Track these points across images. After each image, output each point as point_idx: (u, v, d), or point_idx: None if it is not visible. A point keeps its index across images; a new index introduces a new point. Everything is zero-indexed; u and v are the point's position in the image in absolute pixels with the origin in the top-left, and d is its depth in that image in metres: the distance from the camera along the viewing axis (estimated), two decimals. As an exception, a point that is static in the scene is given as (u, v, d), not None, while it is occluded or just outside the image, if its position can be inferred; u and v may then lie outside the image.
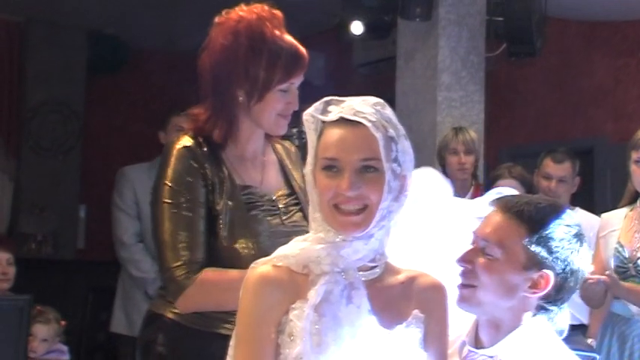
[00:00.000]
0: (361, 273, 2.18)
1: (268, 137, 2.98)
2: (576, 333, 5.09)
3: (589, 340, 4.70)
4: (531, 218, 2.37)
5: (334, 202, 2.13)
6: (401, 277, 2.25)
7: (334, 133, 2.16)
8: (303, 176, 2.81)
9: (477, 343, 2.42)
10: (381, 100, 2.25)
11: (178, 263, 2.70)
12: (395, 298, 2.20)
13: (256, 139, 2.93)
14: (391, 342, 2.15)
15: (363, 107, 2.18)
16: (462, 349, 2.44)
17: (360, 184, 2.12)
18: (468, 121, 6.45)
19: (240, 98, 2.81)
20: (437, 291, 2.26)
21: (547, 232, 2.36)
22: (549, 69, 8.13)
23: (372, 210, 2.14)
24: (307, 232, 2.38)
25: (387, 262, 2.24)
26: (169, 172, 2.78)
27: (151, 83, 9.56)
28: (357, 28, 6.89)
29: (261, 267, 2.20)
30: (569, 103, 8.14)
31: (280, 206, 2.87)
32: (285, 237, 2.47)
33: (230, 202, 2.77)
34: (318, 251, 2.15)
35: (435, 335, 2.22)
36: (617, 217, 4.48)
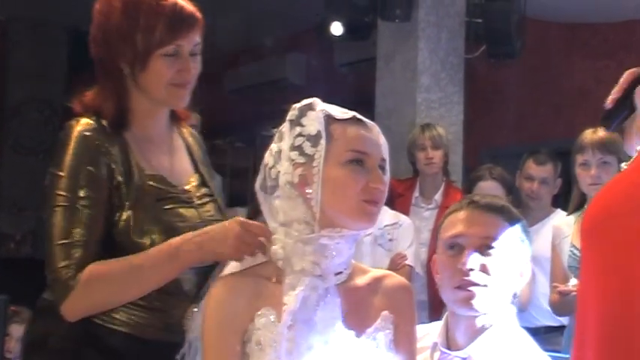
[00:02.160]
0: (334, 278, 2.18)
1: (175, 121, 2.69)
2: (556, 334, 5.13)
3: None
4: (510, 213, 2.45)
5: (364, 196, 2.12)
6: (367, 278, 2.24)
7: (357, 129, 2.17)
8: (209, 166, 2.73)
9: (450, 344, 2.44)
10: None
11: (66, 263, 2.34)
12: (363, 299, 2.20)
13: (158, 119, 2.60)
14: (362, 345, 2.15)
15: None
16: (433, 351, 2.46)
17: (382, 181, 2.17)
18: (447, 122, 6.47)
19: (125, 71, 2.49)
20: (405, 291, 2.27)
21: (522, 223, 2.46)
22: (529, 70, 8.16)
23: (380, 210, 2.18)
24: None
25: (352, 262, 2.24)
26: (67, 160, 2.41)
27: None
28: (337, 29, 6.90)
29: (225, 276, 2.21)
30: (549, 105, 8.18)
31: (195, 198, 2.58)
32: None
33: (139, 193, 2.45)
34: (304, 249, 2.14)
35: (405, 335, 2.22)
36: (567, 224, 4.52)
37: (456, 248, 2.42)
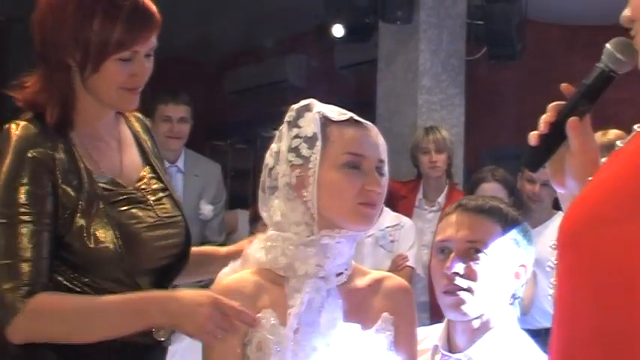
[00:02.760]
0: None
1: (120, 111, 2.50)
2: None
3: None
4: (502, 214, 2.42)
5: (360, 199, 2.11)
6: (367, 280, 2.24)
7: (353, 131, 2.15)
8: (159, 153, 2.56)
9: (451, 347, 2.43)
10: None
11: (11, 284, 2.14)
12: (363, 300, 2.19)
13: (106, 113, 2.41)
14: (363, 346, 2.14)
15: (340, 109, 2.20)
16: (434, 353, 2.45)
17: (380, 183, 2.15)
18: (448, 124, 6.47)
19: (74, 68, 2.29)
20: (405, 292, 2.26)
21: (518, 225, 2.43)
22: (530, 72, 8.16)
23: (378, 212, 2.16)
24: (180, 222, 2.40)
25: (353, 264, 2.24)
26: (4, 172, 2.21)
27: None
28: (338, 30, 6.90)
29: (227, 278, 2.19)
30: (549, 107, 8.17)
31: (149, 196, 2.40)
32: (161, 229, 2.36)
33: (90, 199, 2.25)
34: (307, 252, 2.12)
35: (405, 337, 2.21)
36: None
37: (445, 252, 2.41)
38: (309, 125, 2.14)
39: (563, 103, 1.85)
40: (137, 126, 2.54)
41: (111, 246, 2.24)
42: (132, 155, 2.46)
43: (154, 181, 2.46)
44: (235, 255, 2.35)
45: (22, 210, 2.18)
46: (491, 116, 8.44)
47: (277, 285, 2.14)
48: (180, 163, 5.52)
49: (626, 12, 1.58)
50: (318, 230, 2.12)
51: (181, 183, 5.45)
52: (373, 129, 2.18)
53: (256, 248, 2.22)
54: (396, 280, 2.28)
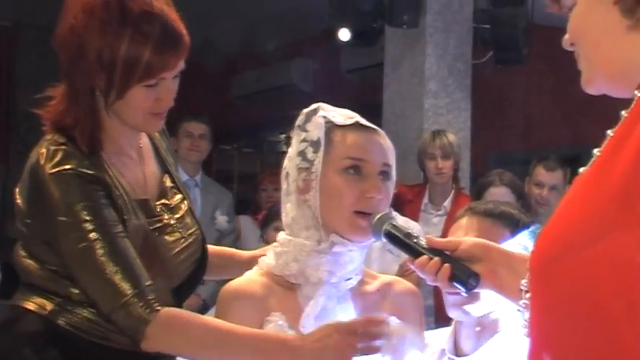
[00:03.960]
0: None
1: None
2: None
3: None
4: (512, 219, 2.43)
5: (357, 207, 2.08)
6: (377, 284, 2.24)
7: (356, 136, 2.13)
8: (172, 156, 2.52)
9: (458, 351, 2.44)
10: None
11: (125, 299, 2.09)
12: (372, 304, 2.20)
13: (129, 132, 2.34)
14: None
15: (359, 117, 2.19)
16: (441, 357, 2.46)
17: (382, 190, 2.11)
18: (454, 128, 6.47)
19: (98, 93, 2.22)
20: (413, 296, 2.27)
21: (528, 230, 2.42)
22: (536, 76, 8.15)
23: None
24: (198, 236, 2.38)
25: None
26: (56, 203, 2.15)
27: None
28: (344, 34, 6.91)
29: (236, 280, 2.20)
30: (556, 111, 8.16)
31: (171, 215, 2.35)
32: (186, 250, 2.34)
33: (134, 224, 2.21)
34: (319, 260, 2.12)
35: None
36: None
37: None
38: (315, 129, 2.14)
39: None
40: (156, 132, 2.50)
41: (157, 280, 2.19)
42: (151, 166, 2.41)
43: (174, 191, 2.42)
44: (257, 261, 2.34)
45: (89, 227, 2.12)
46: (498, 120, 8.43)
47: (286, 288, 2.15)
48: (198, 178, 6.06)
49: (566, 36, 1.59)
50: (325, 235, 2.11)
51: (199, 196, 5.95)
52: (377, 133, 2.16)
53: (268, 253, 2.23)
54: (405, 285, 2.29)
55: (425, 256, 1.85)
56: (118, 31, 2.14)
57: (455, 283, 1.81)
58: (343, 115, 2.16)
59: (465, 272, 1.80)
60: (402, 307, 2.23)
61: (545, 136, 8.13)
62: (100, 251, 2.11)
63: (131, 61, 2.14)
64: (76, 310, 2.20)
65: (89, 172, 2.17)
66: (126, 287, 2.09)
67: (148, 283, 2.12)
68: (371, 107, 6.42)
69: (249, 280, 2.19)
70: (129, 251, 2.14)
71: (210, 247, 2.52)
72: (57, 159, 2.17)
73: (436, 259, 1.82)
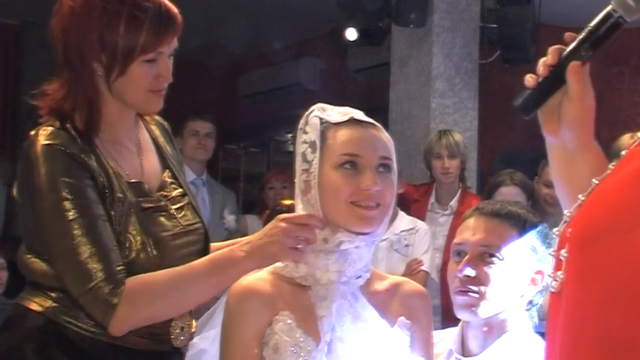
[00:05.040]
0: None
1: (139, 114, 2.50)
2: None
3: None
4: (520, 219, 2.42)
5: (353, 199, 2.10)
6: (385, 284, 2.24)
7: (350, 132, 2.15)
8: (177, 155, 2.57)
9: (465, 351, 2.43)
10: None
11: (93, 283, 2.14)
12: (381, 304, 2.19)
13: (128, 117, 2.43)
14: (384, 347, 2.15)
15: (360, 113, 2.20)
16: (449, 357, 2.45)
17: (380, 182, 2.11)
18: (461, 128, 6.46)
19: (99, 72, 2.30)
20: (422, 298, 2.27)
21: (536, 230, 2.42)
22: (543, 76, 8.13)
23: (385, 210, 2.14)
24: (199, 228, 2.39)
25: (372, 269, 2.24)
26: (42, 181, 2.21)
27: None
28: (351, 34, 6.90)
29: (244, 279, 2.19)
30: (563, 110, 8.14)
31: (170, 204, 2.40)
32: (184, 237, 2.36)
33: (122, 204, 2.26)
34: (327, 261, 2.13)
35: (421, 342, 2.22)
36: None
37: (461, 255, 2.42)
38: (312, 130, 2.17)
39: (564, 47, 1.75)
40: (156, 130, 2.55)
41: (143, 254, 2.25)
42: (151, 159, 2.46)
43: (174, 186, 2.46)
44: None
45: (69, 206, 2.18)
46: (505, 120, 8.42)
47: (295, 287, 2.16)
48: (204, 177, 6.10)
49: None
50: (331, 233, 2.12)
51: (207, 194, 6.02)
52: (372, 127, 2.17)
53: None
54: (413, 286, 2.29)
55: None
56: (117, 9, 2.25)
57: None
58: (340, 113, 2.18)
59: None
60: (411, 308, 2.23)
61: (552, 135, 8.10)
62: (77, 232, 2.17)
63: (131, 36, 2.25)
64: (77, 307, 2.22)
65: (77, 153, 2.23)
66: (96, 271, 2.14)
67: (119, 267, 2.17)
68: (378, 107, 6.42)
69: (258, 278, 2.19)
70: (106, 234, 2.19)
71: (222, 243, 2.53)
72: (49, 135, 2.24)
73: None
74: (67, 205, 2.18)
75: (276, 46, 9.72)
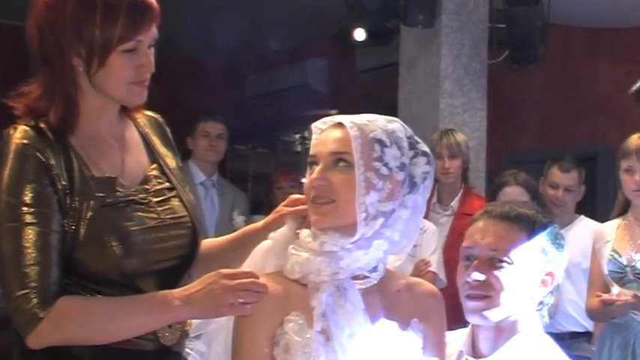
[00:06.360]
0: (357, 282, 2.17)
1: (125, 111, 2.46)
2: (581, 340, 5.10)
3: (594, 348, 4.71)
4: (529, 221, 2.40)
5: (310, 197, 2.17)
6: (398, 285, 2.25)
7: (316, 135, 2.24)
8: (174, 154, 2.54)
9: (475, 353, 2.42)
10: (395, 119, 2.28)
11: (25, 291, 2.12)
12: (393, 305, 2.20)
13: (109, 113, 2.39)
14: (395, 346, 2.15)
15: (359, 116, 2.21)
16: (459, 358, 2.44)
17: (329, 177, 2.15)
18: (470, 128, 6.45)
19: (79, 67, 2.28)
20: (435, 299, 2.28)
21: (546, 232, 2.40)
22: (552, 76, 8.13)
23: (341, 204, 2.14)
24: (186, 222, 2.38)
25: (385, 269, 2.24)
26: (6, 176, 2.20)
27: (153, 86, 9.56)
28: (359, 34, 6.89)
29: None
30: (572, 110, 8.14)
31: (151, 197, 2.36)
32: (163, 231, 2.33)
33: (84, 200, 2.23)
34: (318, 263, 2.14)
35: (434, 343, 2.22)
36: (610, 229, 4.50)
37: (471, 259, 2.40)
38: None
39: None
40: (147, 126, 2.52)
41: (108, 248, 2.22)
42: (137, 155, 2.44)
43: (161, 180, 2.43)
44: (273, 225, 2.39)
45: (27, 210, 2.17)
46: (514, 120, 8.41)
47: (303, 287, 2.17)
48: (214, 178, 6.09)
49: None
50: (315, 234, 2.18)
51: (217, 196, 6.03)
52: (339, 125, 2.20)
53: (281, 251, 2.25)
54: (427, 287, 2.31)
55: None
56: (91, 2, 2.24)
57: None
58: (318, 123, 2.26)
59: None
60: (425, 309, 2.24)
61: (561, 135, 8.10)
62: (30, 237, 2.15)
63: (108, 26, 2.23)
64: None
65: (47, 154, 2.22)
66: (32, 280, 2.13)
67: (56, 285, 2.16)
68: (386, 107, 6.40)
69: (269, 279, 2.19)
70: (55, 251, 2.18)
71: (224, 237, 2.57)
72: (22, 133, 2.24)
73: None
74: (25, 209, 2.17)
75: (284, 46, 9.72)
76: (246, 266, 2.28)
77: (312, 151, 2.21)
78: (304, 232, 2.22)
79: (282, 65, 9.82)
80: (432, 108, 6.61)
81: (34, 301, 2.12)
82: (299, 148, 10.42)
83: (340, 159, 2.15)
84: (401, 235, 2.20)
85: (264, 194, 7.05)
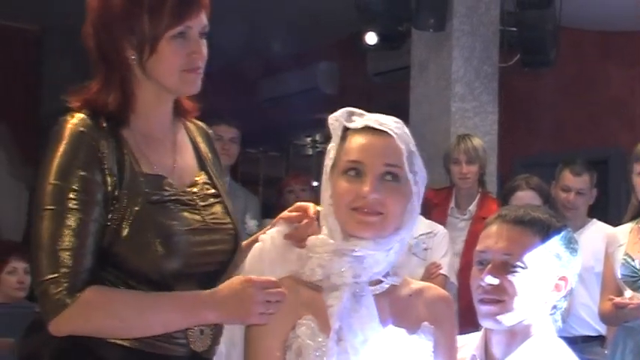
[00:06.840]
0: (371, 288, 2.18)
1: (179, 115, 2.49)
2: (594, 344, 5.09)
3: (606, 352, 4.70)
4: (543, 225, 2.39)
5: (353, 205, 2.13)
6: (409, 289, 2.26)
7: (359, 139, 2.18)
8: (219, 163, 2.55)
9: (488, 357, 2.42)
10: (399, 120, 2.26)
11: (55, 275, 2.13)
12: (404, 309, 2.21)
13: (163, 111, 2.42)
14: (404, 352, 2.15)
15: (387, 120, 2.20)
16: (472, 364, 2.45)
17: (381, 190, 2.13)
18: (481, 132, 6.44)
19: (132, 57, 2.32)
20: (445, 303, 2.28)
21: (559, 236, 2.39)
22: (564, 79, 8.11)
23: (389, 218, 2.15)
24: (229, 229, 2.37)
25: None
26: (57, 163, 2.21)
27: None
28: (371, 38, 6.89)
29: None
30: (583, 114, 8.13)
31: (199, 200, 2.37)
32: (206, 234, 2.33)
33: (131, 195, 2.24)
34: (340, 264, 2.14)
35: (445, 348, 2.23)
36: (623, 233, 4.49)
37: (484, 263, 2.40)
38: (334, 134, 2.23)
39: None
40: (196, 134, 2.54)
41: (147, 246, 2.22)
42: (187, 159, 2.46)
43: (208, 186, 2.43)
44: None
45: (73, 196, 2.18)
46: (525, 123, 8.40)
47: (313, 289, 2.17)
48: (226, 182, 5.89)
49: None
50: (342, 236, 2.15)
51: None
52: (387, 135, 2.17)
53: (295, 255, 2.25)
54: (437, 291, 2.31)
55: None
56: None
57: None
58: (360, 120, 2.21)
59: None
60: (436, 313, 2.24)
61: (572, 138, 8.09)
62: (70, 222, 2.17)
63: (156, 13, 2.27)
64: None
65: (101, 144, 2.25)
66: (64, 265, 2.14)
67: (87, 273, 2.16)
68: (397, 110, 6.39)
69: (283, 280, 2.20)
70: (92, 239, 2.18)
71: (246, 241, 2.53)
72: (79, 121, 2.27)
73: None
74: (72, 195, 2.18)
75: (295, 50, 9.73)
76: (247, 271, 2.28)
77: (355, 157, 2.16)
78: (320, 237, 2.20)
79: (292, 69, 9.83)
80: (443, 111, 6.60)
81: (64, 285, 2.13)
82: (310, 152, 10.41)
83: (390, 172, 2.15)
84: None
85: (275, 198, 7.05)
